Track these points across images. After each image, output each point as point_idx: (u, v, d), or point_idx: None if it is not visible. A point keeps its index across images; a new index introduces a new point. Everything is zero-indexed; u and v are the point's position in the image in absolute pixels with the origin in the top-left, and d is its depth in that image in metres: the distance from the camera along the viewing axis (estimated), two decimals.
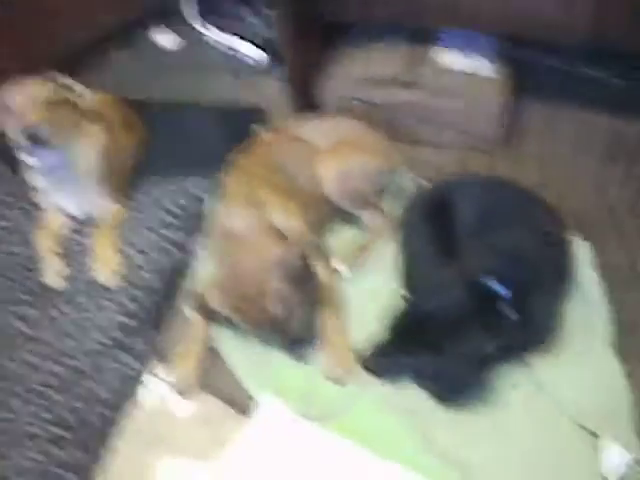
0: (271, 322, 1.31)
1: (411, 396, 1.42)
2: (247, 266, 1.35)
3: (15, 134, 1.60)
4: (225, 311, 1.37)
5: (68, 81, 1.70)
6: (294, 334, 1.39)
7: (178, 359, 1.52)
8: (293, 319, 1.36)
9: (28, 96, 1.59)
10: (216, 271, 1.51)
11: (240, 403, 1.45)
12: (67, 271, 1.71)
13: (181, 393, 1.48)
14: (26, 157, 1.71)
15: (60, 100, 1.65)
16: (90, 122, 1.77)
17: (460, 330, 1.33)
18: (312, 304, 1.45)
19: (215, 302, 1.37)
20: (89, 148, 1.76)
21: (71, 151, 1.71)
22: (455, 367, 1.35)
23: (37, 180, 1.78)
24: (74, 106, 1.70)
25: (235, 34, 2.67)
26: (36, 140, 1.57)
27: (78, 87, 1.72)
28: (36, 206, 1.85)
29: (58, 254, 1.75)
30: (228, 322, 1.43)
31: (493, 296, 1.35)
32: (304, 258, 1.46)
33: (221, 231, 1.56)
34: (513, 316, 1.34)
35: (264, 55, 2.60)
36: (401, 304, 1.43)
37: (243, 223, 1.49)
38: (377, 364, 1.44)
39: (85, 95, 1.75)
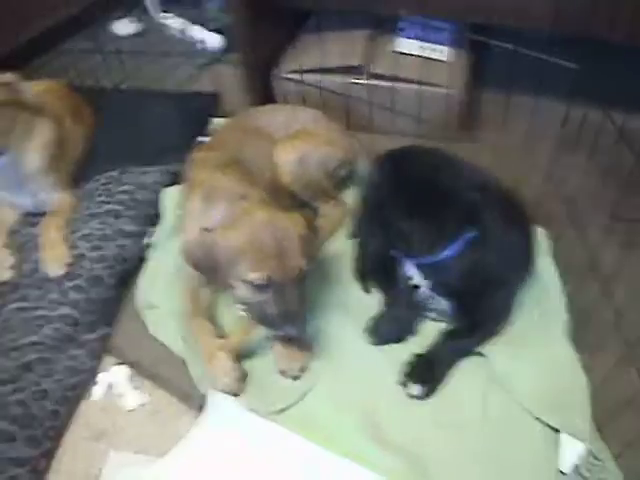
0: (298, 275, 1.30)
1: (362, 388, 1.40)
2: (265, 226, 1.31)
3: None
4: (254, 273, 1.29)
5: (6, 77, 1.64)
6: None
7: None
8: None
9: None
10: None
11: (191, 397, 1.41)
12: (11, 262, 1.68)
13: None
14: None
15: None
16: (33, 116, 1.73)
17: None
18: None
19: (246, 267, 1.29)
20: (33, 145, 1.74)
21: (15, 150, 1.68)
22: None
23: None
24: (14, 103, 1.65)
25: (194, 21, 2.64)
26: None
27: (10, 78, 1.65)
28: None
29: (6, 247, 1.72)
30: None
31: None
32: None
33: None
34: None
35: (221, 41, 2.57)
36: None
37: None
38: None
39: (26, 89, 1.70)
